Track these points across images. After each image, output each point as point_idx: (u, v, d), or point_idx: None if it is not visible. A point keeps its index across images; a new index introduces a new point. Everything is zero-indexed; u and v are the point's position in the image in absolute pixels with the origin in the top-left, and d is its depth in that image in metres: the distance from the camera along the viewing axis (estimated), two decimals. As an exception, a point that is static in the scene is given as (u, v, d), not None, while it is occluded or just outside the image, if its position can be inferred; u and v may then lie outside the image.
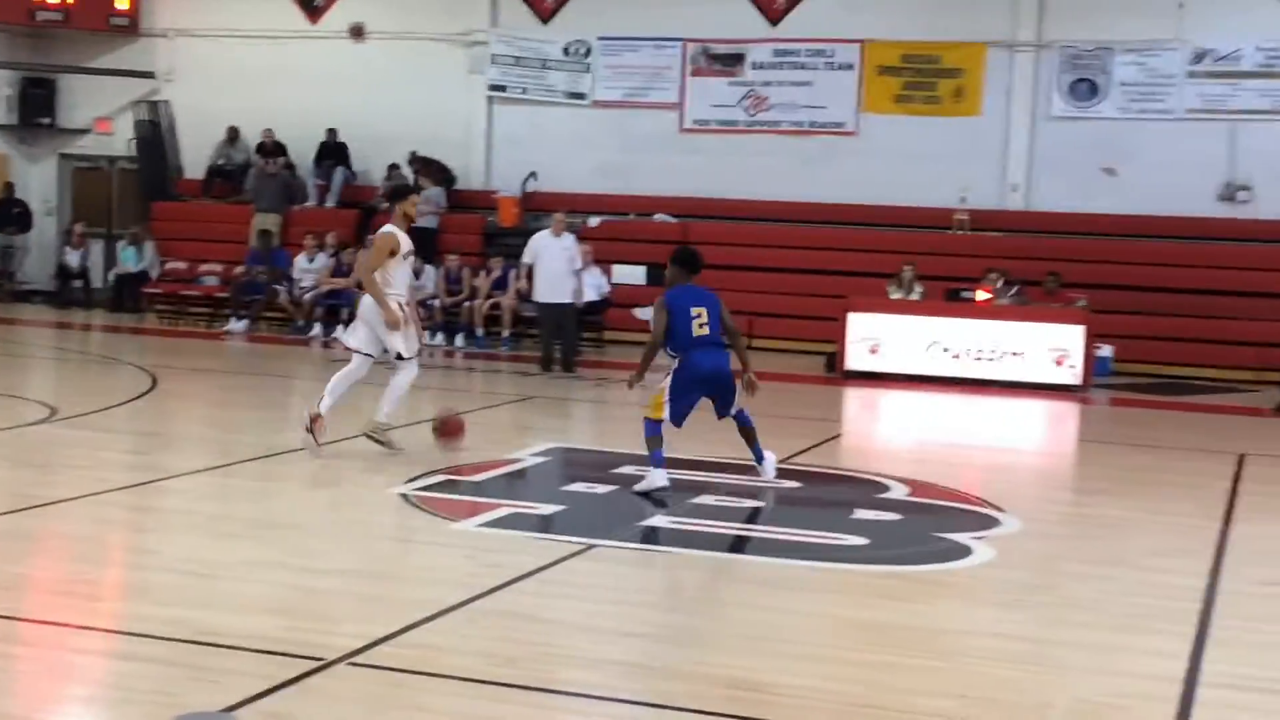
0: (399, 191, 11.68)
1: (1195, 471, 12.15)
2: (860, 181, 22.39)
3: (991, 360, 17.70)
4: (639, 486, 9.94)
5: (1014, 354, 17.71)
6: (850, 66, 22.82)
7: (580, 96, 24.23)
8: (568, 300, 17.84)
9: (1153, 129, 21.57)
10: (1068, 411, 16.59)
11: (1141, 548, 9.05)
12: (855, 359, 18.02)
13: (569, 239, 18.11)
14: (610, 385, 16.64)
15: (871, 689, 5.99)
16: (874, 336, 18.05)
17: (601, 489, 10.11)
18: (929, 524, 9.58)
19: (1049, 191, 22.04)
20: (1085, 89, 21.89)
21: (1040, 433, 15.95)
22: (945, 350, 17.87)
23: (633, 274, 22.01)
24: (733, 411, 10.27)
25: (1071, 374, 17.53)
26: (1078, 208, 21.67)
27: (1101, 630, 7.01)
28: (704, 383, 10.08)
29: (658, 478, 9.89)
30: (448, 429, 11.01)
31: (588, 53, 24.11)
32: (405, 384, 11.08)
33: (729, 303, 10.44)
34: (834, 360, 18.47)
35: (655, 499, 9.68)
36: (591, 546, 8.30)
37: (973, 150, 22.20)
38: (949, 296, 18.82)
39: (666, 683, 5.97)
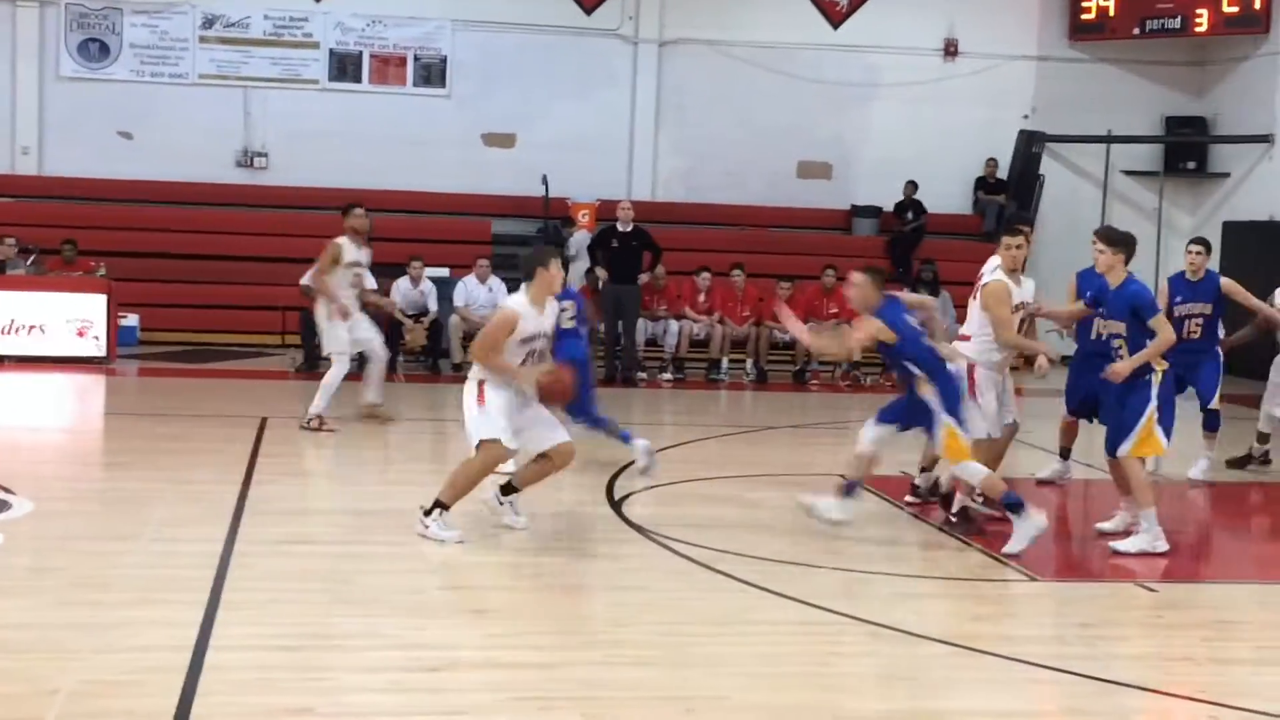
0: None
1: (219, 438, 12.16)
2: None
3: (8, 335, 16.79)
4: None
5: (32, 327, 16.90)
6: None
7: None
8: None
9: (168, 93, 21.44)
10: (93, 384, 16.05)
11: (160, 518, 8.89)
12: None
13: None
14: None
15: None
16: (-125, 313, 16.52)
17: None
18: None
19: (63, 155, 21.23)
20: (97, 49, 21.29)
21: (62, 408, 15.26)
22: (-41, 326, 16.75)
23: None
24: None
25: (95, 345, 17.01)
26: (95, 173, 21.03)
27: (113, 608, 6.82)
28: None
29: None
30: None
31: None
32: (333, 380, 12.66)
33: None
34: None
35: None
36: None
37: (-23, 110, 20.92)
38: (-53, 268, 17.62)
39: None
